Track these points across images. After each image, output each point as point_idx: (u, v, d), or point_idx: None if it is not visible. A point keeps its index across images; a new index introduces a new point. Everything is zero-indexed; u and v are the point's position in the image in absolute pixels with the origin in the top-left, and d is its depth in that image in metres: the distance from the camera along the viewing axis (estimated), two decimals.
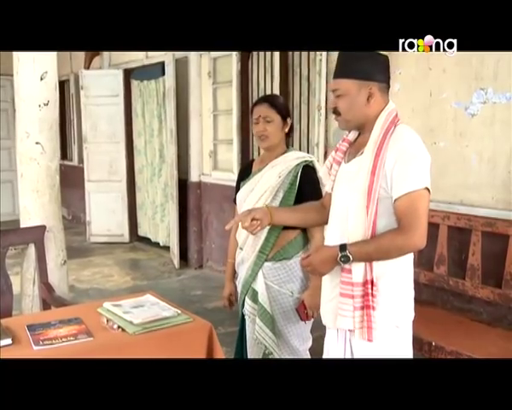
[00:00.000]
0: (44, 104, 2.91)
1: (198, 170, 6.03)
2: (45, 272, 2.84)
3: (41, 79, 2.90)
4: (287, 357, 2.47)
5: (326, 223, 2.29)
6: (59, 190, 3.02)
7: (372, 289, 1.86)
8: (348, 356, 1.97)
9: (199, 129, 5.98)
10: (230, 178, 5.52)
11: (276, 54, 4.94)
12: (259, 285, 2.45)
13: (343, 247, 1.83)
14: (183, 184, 6.08)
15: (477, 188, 3.48)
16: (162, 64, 6.37)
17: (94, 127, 7.24)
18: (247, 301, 2.49)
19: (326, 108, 4.34)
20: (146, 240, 7.29)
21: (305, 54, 4.76)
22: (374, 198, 1.84)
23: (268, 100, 2.53)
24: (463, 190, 3.52)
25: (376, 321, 1.87)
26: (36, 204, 2.94)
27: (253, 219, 2.12)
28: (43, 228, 2.86)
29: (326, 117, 4.38)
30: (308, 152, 4.70)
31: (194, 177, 6.05)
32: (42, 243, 2.83)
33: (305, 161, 2.47)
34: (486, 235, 3.22)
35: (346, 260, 1.82)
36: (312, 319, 2.50)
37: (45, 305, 2.84)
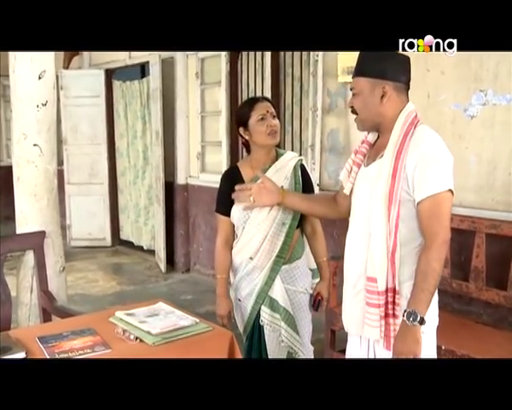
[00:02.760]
0: (43, 104, 2.79)
1: (185, 172, 5.93)
2: (45, 280, 2.72)
3: (39, 78, 2.77)
4: (304, 357, 2.46)
5: (334, 217, 2.36)
6: (57, 193, 2.90)
7: (394, 297, 1.84)
8: None
9: (185, 131, 5.88)
10: (219, 180, 5.43)
11: (268, 54, 4.88)
12: (278, 291, 2.41)
13: (409, 314, 1.75)
14: (169, 187, 5.97)
15: (476, 190, 3.48)
16: (146, 64, 6.25)
17: (74, 129, 7.05)
18: (265, 310, 2.42)
19: (322, 110, 4.30)
20: (129, 244, 7.14)
21: (297, 54, 4.72)
22: (395, 202, 1.82)
23: (266, 99, 2.53)
24: (463, 192, 3.51)
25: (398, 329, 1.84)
26: (33, 209, 2.81)
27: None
28: (42, 234, 2.74)
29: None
30: (301, 154, 4.66)
31: (180, 179, 5.95)
32: (41, 249, 2.71)
33: (300, 159, 2.51)
34: (490, 237, 3.22)
35: (420, 320, 1.75)
36: None
37: (45, 314, 2.71)
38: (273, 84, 4.88)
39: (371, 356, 1.97)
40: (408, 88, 1.94)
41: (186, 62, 5.75)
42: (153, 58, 5.84)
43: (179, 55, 5.74)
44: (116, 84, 7.01)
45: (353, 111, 1.97)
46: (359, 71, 1.93)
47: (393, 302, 1.85)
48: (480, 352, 2.72)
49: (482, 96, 3.47)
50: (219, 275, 2.51)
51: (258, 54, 5.06)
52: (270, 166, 2.43)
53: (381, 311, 1.85)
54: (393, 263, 1.84)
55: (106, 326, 2.12)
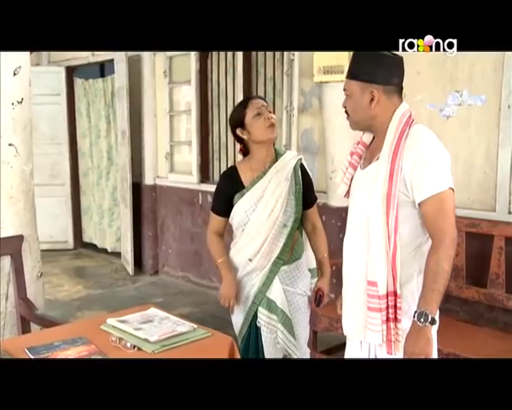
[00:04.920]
0: (18, 102, 2.67)
1: (153, 173, 5.80)
2: (23, 287, 2.59)
3: (14, 74, 2.65)
4: None
5: None
6: (34, 195, 2.77)
7: (395, 300, 1.82)
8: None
9: (153, 130, 5.75)
10: (189, 180, 5.37)
11: (239, 53, 4.82)
12: (276, 293, 2.38)
13: (419, 314, 1.73)
14: (136, 188, 5.82)
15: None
16: (109, 62, 6.08)
17: (34, 128, 6.72)
18: (262, 311, 2.38)
19: (297, 109, 4.28)
20: (91, 246, 6.94)
21: (269, 54, 4.68)
22: (393, 204, 1.80)
23: (259, 96, 2.50)
24: None
25: (401, 333, 1.83)
26: (9, 212, 2.67)
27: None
28: (20, 238, 2.60)
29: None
30: None
31: (148, 180, 5.82)
32: (19, 254, 2.57)
33: (299, 158, 2.48)
34: (470, 235, 3.26)
35: (432, 320, 1.73)
36: None
37: (23, 323, 2.58)
38: (245, 83, 4.83)
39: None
40: (401, 89, 1.93)
41: (153, 60, 5.62)
42: (118, 56, 5.68)
43: (146, 53, 5.60)
44: (78, 82, 6.78)
45: (346, 112, 1.96)
46: (350, 73, 1.92)
47: (395, 306, 1.82)
48: (467, 350, 2.75)
49: (458, 96, 3.52)
50: (219, 259, 2.44)
51: (229, 52, 4.99)
52: (270, 168, 2.40)
53: (383, 315, 1.83)
54: (394, 266, 1.81)
55: (98, 334, 2.03)
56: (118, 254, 6.36)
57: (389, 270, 1.82)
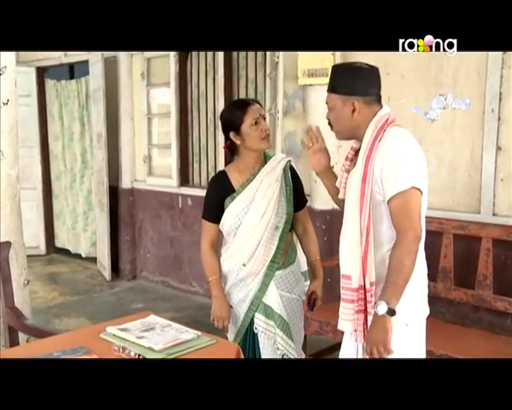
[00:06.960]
0: (4, 103, 2.57)
1: (130, 176, 5.71)
2: (11, 296, 2.48)
3: None
4: None
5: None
6: (20, 200, 2.67)
7: (365, 294, 1.92)
8: (360, 356, 2.02)
9: (130, 133, 5.65)
10: (168, 184, 5.30)
11: (220, 55, 4.78)
12: (273, 298, 2.36)
13: (378, 305, 1.82)
14: (112, 192, 5.71)
15: (438, 192, 3.56)
16: (81, 63, 5.95)
17: None
18: (260, 317, 2.36)
19: (282, 112, 4.26)
20: (64, 251, 6.78)
21: (251, 56, 4.65)
22: (366, 204, 1.90)
23: (256, 100, 2.45)
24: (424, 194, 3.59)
25: None
26: None
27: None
28: (7, 245, 2.49)
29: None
30: None
31: (125, 183, 5.72)
32: (7, 261, 2.46)
33: (288, 160, 2.47)
34: (457, 237, 3.30)
35: (390, 311, 1.80)
36: None
37: (11, 333, 2.48)
38: (226, 85, 4.79)
39: (360, 350, 2.00)
40: (379, 97, 2.01)
41: (130, 62, 5.53)
42: (94, 56, 5.57)
43: (123, 54, 5.51)
44: (49, 83, 6.61)
45: (329, 123, 2.04)
46: (331, 87, 2.00)
47: (365, 299, 1.92)
48: (458, 351, 2.77)
49: (442, 100, 3.56)
50: (211, 277, 2.40)
51: (209, 54, 4.94)
52: (259, 170, 2.36)
53: (355, 306, 1.95)
54: (365, 263, 1.90)
55: (98, 343, 1.96)
56: (93, 260, 6.24)
57: (361, 266, 1.91)
